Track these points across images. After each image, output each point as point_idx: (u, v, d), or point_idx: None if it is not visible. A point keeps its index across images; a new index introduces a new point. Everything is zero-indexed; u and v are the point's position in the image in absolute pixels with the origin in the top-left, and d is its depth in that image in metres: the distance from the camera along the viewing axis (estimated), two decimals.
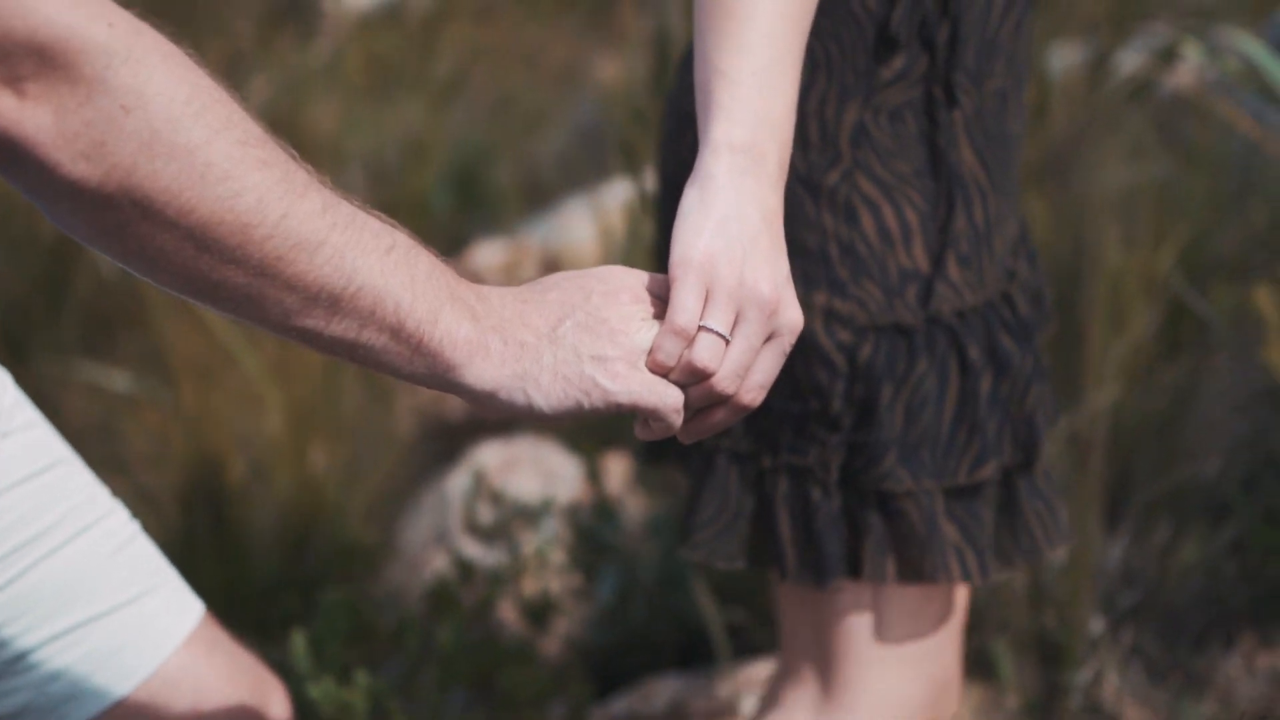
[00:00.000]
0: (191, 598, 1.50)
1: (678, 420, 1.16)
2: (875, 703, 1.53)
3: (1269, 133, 2.91)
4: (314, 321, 1.06)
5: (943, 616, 1.54)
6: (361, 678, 2.14)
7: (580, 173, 4.29)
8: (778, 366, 1.18)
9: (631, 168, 2.26)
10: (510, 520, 2.63)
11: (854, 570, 1.48)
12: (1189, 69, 3.35)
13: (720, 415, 1.17)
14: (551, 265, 3.58)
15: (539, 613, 2.49)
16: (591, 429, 2.96)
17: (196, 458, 2.92)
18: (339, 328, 1.07)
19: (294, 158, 1.03)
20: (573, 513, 2.56)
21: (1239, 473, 2.45)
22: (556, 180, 4.43)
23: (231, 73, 4.58)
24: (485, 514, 2.69)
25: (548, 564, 2.54)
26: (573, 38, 5.77)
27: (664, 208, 1.65)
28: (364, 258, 1.06)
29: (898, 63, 1.42)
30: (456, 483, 2.97)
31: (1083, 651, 2.25)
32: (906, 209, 1.44)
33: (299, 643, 2.18)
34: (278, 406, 2.97)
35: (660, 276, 1.19)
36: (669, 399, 1.15)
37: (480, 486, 2.66)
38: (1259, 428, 2.49)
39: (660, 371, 1.15)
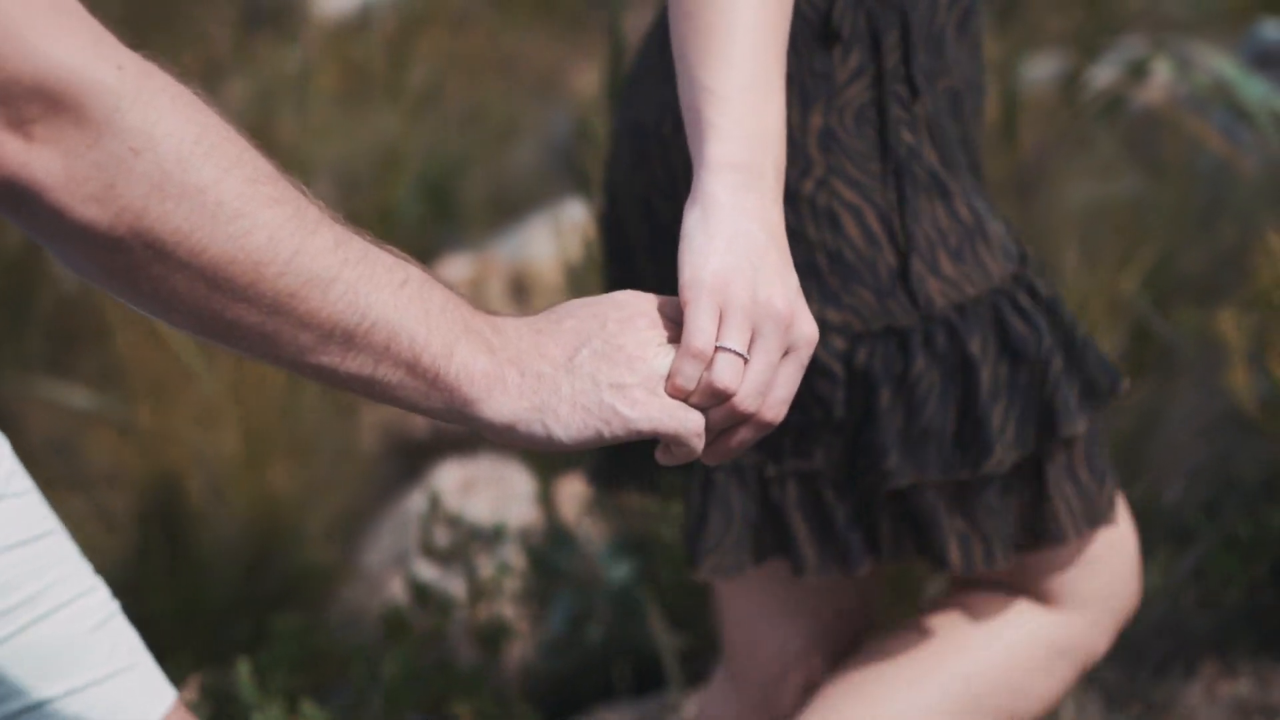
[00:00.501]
0: (165, 683, 1.51)
1: (699, 444, 1.15)
2: None
3: (1238, 149, 2.90)
4: (329, 358, 1.06)
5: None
6: (308, 707, 2.13)
7: (552, 185, 4.28)
8: (797, 380, 1.18)
9: (581, 186, 2.25)
10: (467, 544, 2.62)
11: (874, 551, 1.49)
12: (1160, 84, 3.34)
13: (744, 434, 1.17)
14: (517, 281, 3.56)
15: (492, 639, 2.48)
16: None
17: (153, 477, 2.91)
18: (354, 364, 1.07)
19: (305, 194, 1.03)
20: (525, 538, 2.55)
21: (1201, 497, 2.43)
22: (528, 192, 4.42)
23: (207, 80, 4.56)
24: (442, 536, 2.68)
25: (502, 589, 2.52)
26: (551, 45, 5.76)
27: (619, 228, 1.63)
28: (377, 293, 1.06)
29: (852, 61, 1.42)
30: (416, 502, 2.96)
31: None
32: (889, 210, 1.44)
33: (243, 671, 2.17)
34: (235, 424, 2.95)
35: (674, 300, 1.19)
36: (690, 423, 1.15)
37: (436, 509, 2.65)
38: (1221, 452, 2.47)
39: (680, 395, 1.15)
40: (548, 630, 2.52)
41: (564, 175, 4.27)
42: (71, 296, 3.72)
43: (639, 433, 1.13)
